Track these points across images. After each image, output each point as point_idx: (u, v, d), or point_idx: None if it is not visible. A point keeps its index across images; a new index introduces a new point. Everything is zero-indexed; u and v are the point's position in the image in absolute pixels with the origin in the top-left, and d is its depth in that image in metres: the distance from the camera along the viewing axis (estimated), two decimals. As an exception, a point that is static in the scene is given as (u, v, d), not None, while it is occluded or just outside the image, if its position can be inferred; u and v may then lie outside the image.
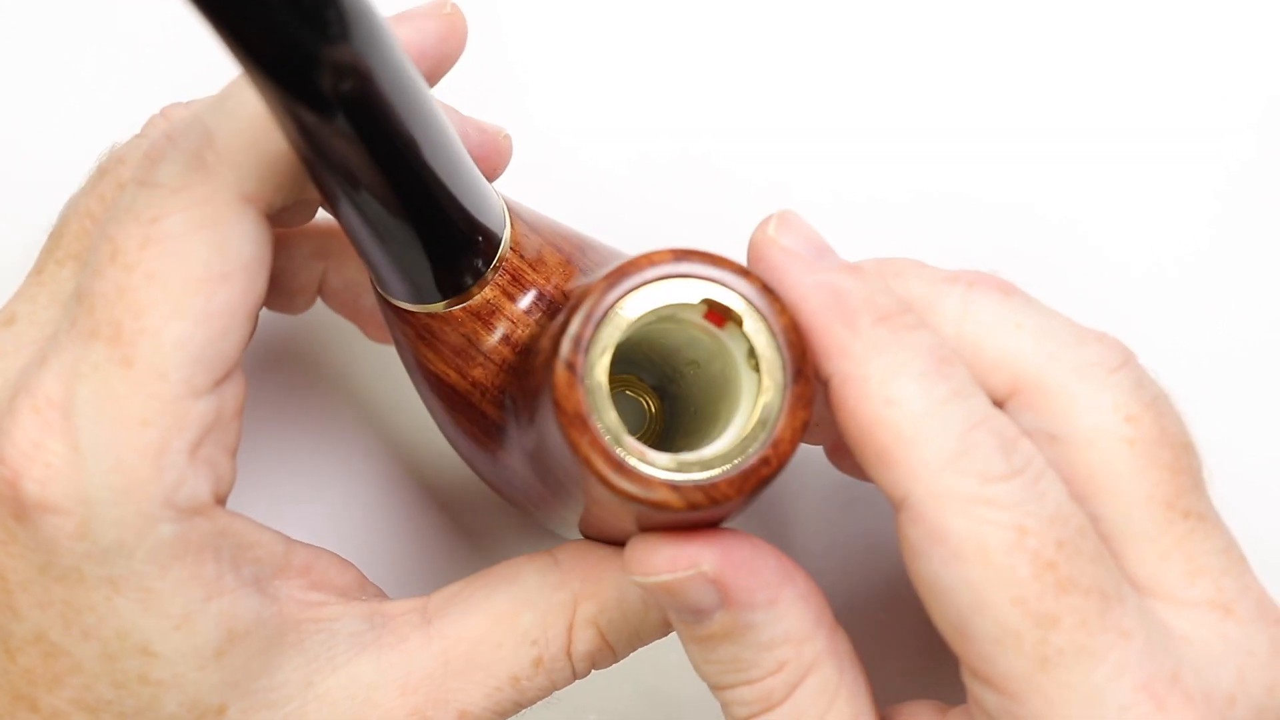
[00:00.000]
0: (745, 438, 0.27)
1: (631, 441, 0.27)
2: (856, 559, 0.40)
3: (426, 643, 0.31)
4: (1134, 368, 0.29)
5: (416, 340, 0.31)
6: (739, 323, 0.27)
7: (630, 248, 0.33)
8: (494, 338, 0.30)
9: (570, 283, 0.31)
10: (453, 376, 0.31)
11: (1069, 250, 0.40)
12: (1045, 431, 0.28)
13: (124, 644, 0.28)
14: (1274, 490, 0.40)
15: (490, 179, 0.33)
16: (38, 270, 0.31)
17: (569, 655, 0.31)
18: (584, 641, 0.32)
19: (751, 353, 0.27)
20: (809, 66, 0.41)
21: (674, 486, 0.27)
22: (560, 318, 0.28)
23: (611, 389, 0.31)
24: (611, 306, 0.27)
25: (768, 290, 0.27)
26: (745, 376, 0.27)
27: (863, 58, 0.41)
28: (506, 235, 0.30)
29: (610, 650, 0.32)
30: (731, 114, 0.41)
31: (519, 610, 0.31)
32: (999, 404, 0.29)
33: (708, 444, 0.27)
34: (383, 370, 0.40)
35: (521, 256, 0.31)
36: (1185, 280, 0.41)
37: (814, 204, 0.40)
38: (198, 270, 0.27)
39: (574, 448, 0.26)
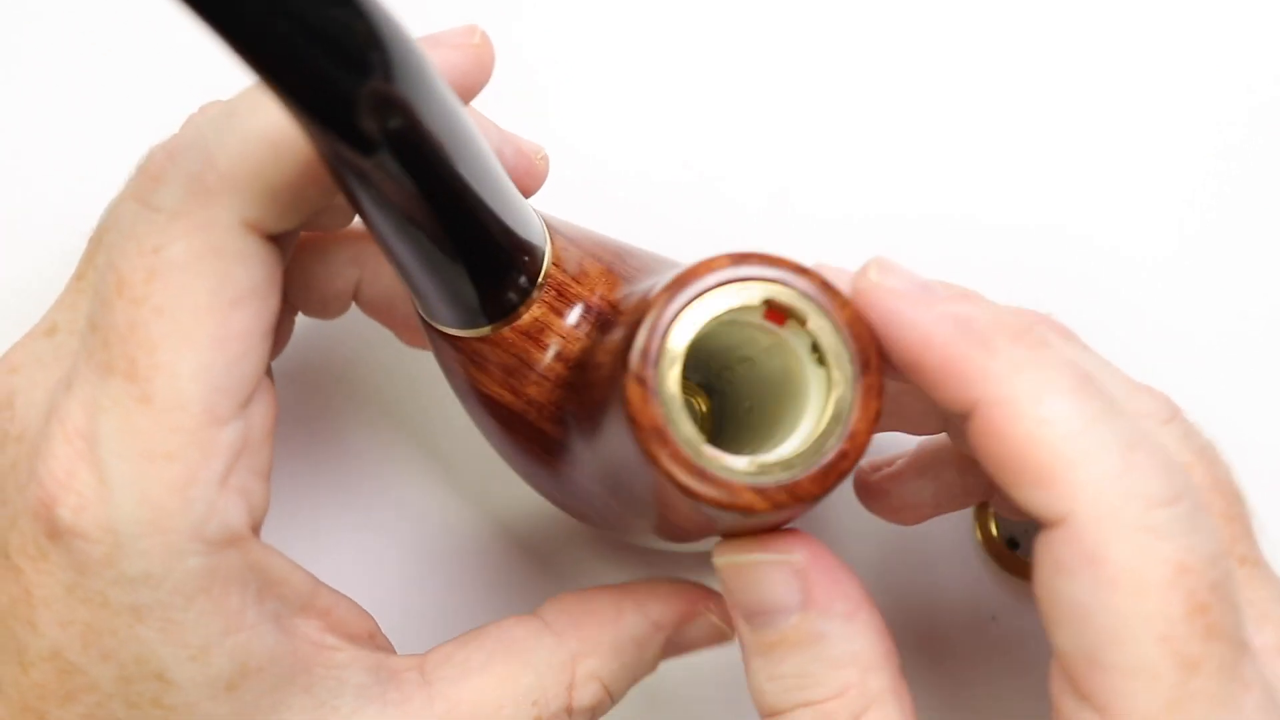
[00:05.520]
0: (821, 433, 0.27)
1: (709, 449, 0.26)
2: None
3: (429, 704, 0.31)
4: (1183, 420, 0.29)
5: (467, 365, 0.31)
6: (802, 321, 0.27)
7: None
8: (547, 355, 0.30)
9: (615, 292, 0.31)
10: (507, 397, 0.31)
11: (1070, 264, 0.41)
12: None
13: (141, 669, 0.28)
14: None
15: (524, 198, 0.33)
16: (78, 276, 0.31)
17: (569, 713, 0.32)
18: (588, 696, 0.32)
19: (815, 348, 0.27)
20: (818, 83, 0.41)
21: (758, 490, 0.26)
22: (619, 332, 0.27)
23: None
24: (675, 317, 0.27)
25: (827, 286, 0.27)
26: (811, 372, 0.27)
27: (869, 74, 0.41)
28: (548, 251, 0.30)
29: (610, 699, 0.33)
30: (737, 130, 0.41)
31: (519, 672, 0.32)
32: None
33: (778, 443, 0.27)
34: (427, 409, 0.41)
35: (564, 271, 0.30)
36: (1186, 298, 0.41)
37: (818, 219, 0.41)
38: (205, 300, 0.27)
39: (654, 461, 0.26)
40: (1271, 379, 0.40)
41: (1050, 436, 0.25)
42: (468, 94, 0.31)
